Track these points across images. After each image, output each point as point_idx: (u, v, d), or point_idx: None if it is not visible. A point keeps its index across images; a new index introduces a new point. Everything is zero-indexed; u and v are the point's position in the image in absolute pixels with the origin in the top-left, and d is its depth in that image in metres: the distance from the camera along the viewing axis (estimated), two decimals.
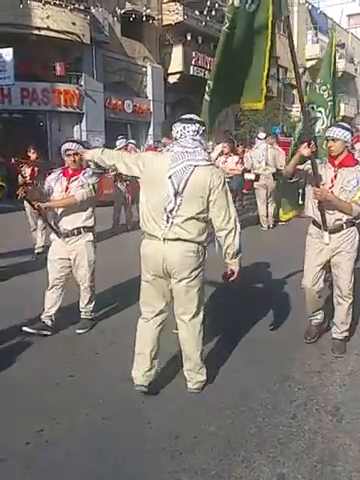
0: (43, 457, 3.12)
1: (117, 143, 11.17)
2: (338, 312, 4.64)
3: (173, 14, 24.24)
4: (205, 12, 22.40)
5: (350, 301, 4.55)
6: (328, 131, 4.34)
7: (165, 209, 3.53)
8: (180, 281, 3.60)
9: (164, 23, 24.70)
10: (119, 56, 22.86)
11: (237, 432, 3.36)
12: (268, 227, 11.27)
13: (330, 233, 4.37)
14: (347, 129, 4.29)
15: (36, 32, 18.52)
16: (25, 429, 3.40)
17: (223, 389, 3.92)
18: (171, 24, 24.47)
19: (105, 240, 9.42)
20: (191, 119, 3.61)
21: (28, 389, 3.94)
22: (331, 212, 4.30)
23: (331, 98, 5.08)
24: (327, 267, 4.66)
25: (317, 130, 5.07)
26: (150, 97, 24.73)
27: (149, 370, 3.77)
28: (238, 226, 3.64)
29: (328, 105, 5.08)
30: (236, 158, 10.03)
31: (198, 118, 3.71)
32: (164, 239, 3.53)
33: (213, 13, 22.24)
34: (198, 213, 3.54)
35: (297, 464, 3.05)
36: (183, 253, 3.54)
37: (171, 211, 3.52)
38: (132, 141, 12.99)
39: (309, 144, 4.12)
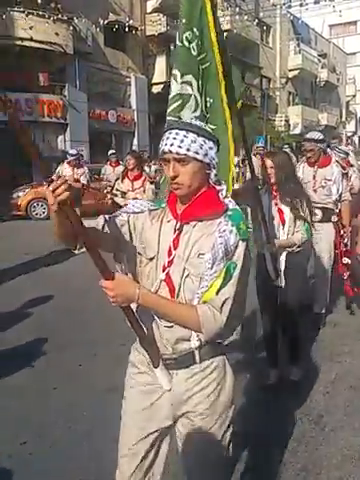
0: (26, 470, 3.09)
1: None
2: None
3: (156, 25, 24.42)
4: None
5: None
6: (165, 141, 1.87)
7: None
8: None
9: (147, 34, 24.87)
10: (103, 66, 22.93)
11: None
12: None
13: (171, 368, 2.01)
14: (209, 137, 1.90)
15: (19, 43, 18.55)
16: (8, 442, 3.37)
17: None
18: (154, 35, 24.65)
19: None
20: None
21: (11, 401, 3.90)
22: (167, 326, 1.95)
23: (204, 55, 3.07)
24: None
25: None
26: (134, 107, 24.83)
27: None
28: None
29: (200, 69, 3.08)
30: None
31: None
32: None
33: None
34: None
35: (281, 473, 3.05)
36: None
37: None
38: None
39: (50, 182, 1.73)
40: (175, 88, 3.08)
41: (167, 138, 1.87)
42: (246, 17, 28.88)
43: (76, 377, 4.33)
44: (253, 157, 10.90)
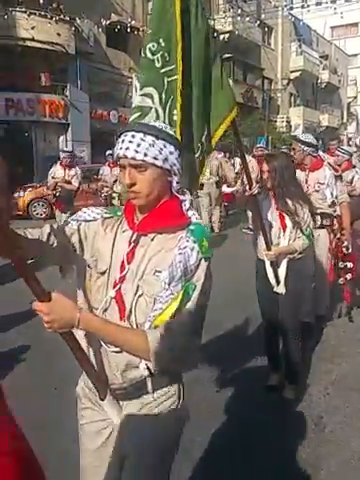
0: None
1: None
2: None
3: None
4: None
5: None
6: (121, 145, 1.68)
7: None
8: None
9: None
10: (104, 67, 22.95)
11: (222, 443, 3.36)
12: (220, 230, 11.56)
13: (120, 399, 1.85)
14: (170, 141, 1.71)
15: (21, 43, 18.57)
16: None
17: (207, 399, 3.92)
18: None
19: None
20: None
21: (11, 401, 3.90)
22: (115, 351, 1.74)
23: (171, 67, 2.82)
24: None
25: None
26: None
27: None
28: None
29: (165, 82, 2.84)
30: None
31: None
32: None
33: None
34: None
35: (280, 474, 3.06)
36: None
37: None
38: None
39: None
40: (135, 100, 2.97)
41: (122, 141, 1.65)
42: (248, 18, 28.85)
43: (76, 377, 4.33)
44: (252, 159, 10.97)
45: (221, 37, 28.36)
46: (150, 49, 2.85)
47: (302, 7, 23.12)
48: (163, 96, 2.84)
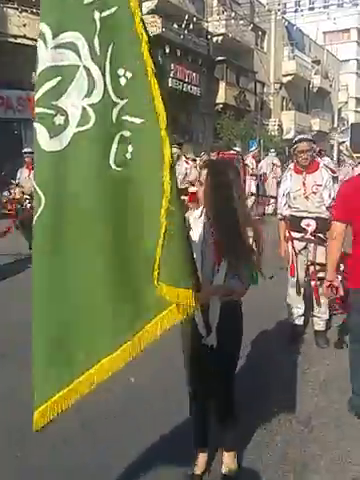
0: (22, 473, 3.03)
1: None
2: None
3: (151, 26, 24.40)
4: (183, 25, 22.70)
5: None
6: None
7: None
8: None
9: None
10: None
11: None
12: None
13: None
14: None
15: (12, 40, 18.45)
16: (5, 444, 3.32)
17: None
18: (149, 36, 24.59)
19: None
20: None
21: (4, 408, 3.81)
22: None
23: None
24: None
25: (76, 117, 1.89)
26: None
27: None
28: None
29: (95, 19, 1.76)
30: None
31: None
32: None
33: (191, 27, 22.49)
34: None
35: (269, 473, 3.01)
36: None
37: None
38: None
39: None
40: (44, 56, 1.84)
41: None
42: (241, 22, 28.95)
43: None
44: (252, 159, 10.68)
45: (214, 39, 28.42)
46: None
47: (295, 11, 23.29)
48: (96, 44, 1.76)
